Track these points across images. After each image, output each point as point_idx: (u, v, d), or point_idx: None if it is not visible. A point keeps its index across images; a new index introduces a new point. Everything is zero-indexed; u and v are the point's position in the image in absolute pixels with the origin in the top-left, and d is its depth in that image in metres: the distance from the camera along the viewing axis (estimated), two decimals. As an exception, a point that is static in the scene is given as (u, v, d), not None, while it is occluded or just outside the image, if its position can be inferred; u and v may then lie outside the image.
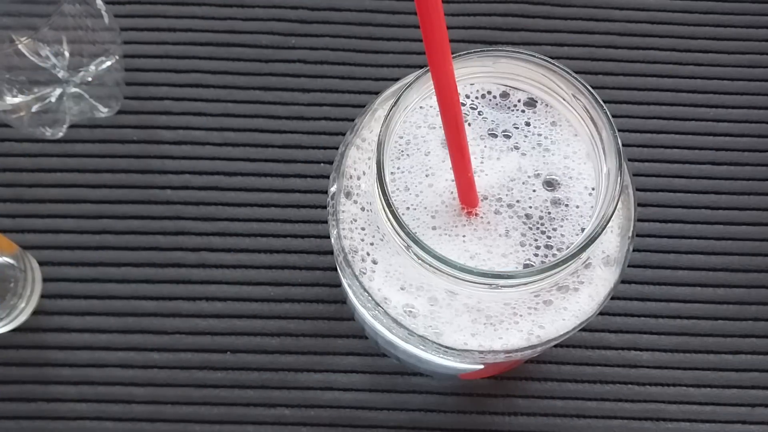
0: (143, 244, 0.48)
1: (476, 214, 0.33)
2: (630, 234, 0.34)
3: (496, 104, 0.35)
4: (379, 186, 0.30)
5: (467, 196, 0.33)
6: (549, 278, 0.30)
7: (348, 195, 0.34)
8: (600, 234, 0.30)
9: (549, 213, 0.33)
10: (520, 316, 0.33)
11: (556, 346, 0.40)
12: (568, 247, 0.33)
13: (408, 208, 0.34)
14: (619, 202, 0.31)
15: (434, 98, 0.31)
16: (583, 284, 0.33)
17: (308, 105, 0.51)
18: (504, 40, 0.52)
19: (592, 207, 0.33)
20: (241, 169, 0.49)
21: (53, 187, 0.49)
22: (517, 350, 0.33)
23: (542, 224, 0.33)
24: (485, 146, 0.34)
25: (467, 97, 0.35)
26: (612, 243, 0.33)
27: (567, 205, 0.33)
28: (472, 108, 0.34)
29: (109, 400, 0.45)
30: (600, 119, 0.32)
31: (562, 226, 0.33)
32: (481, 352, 0.33)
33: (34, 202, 0.48)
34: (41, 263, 0.47)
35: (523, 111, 0.35)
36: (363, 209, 0.34)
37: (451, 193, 0.34)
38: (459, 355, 0.33)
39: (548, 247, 0.33)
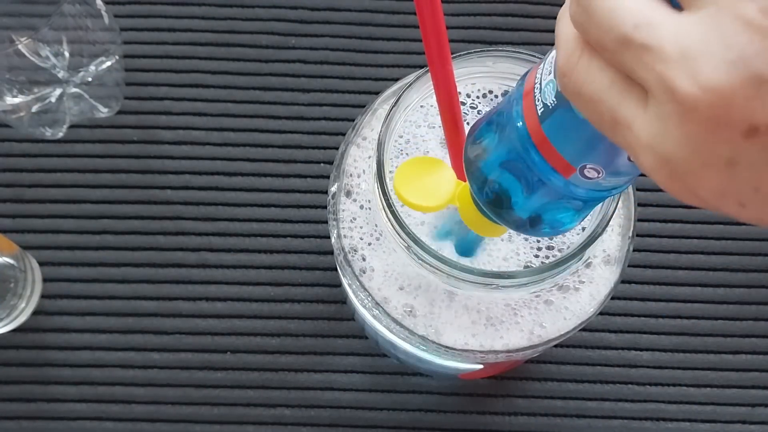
0: (143, 244, 0.48)
1: None
2: (630, 234, 0.34)
3: (498, 103, 0.35)
4: (379, 186, 0.30)
5: None
6: (549, 278, 0.30)
7: (348, 194, 0.34)
8: (600, 234, 0.30)
9: None
10: (521, 316, 0.33)
11: (556, 346, 0.40)
12: (569, 247, 0.33)
13: (403, 206, 0.34)
14: (619, 202, 0.31)
15: (435, 97, 0.31)
16: (584, 283, 0.33)
17: (308, 105, 0.51)
18: (504, 40, 0.52)
19: None
20: (241, 169, 0.49)
21: (53, 187, 0.49)
22: (518, 350, 0.33)
23: None
24: None
25: (468, 96, 0.35)
26: (613, 242, 0.33)
27: None
28: (471, 107, 0.34)
29: (109, 400, 0.45)
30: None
31: None
32: (482, 352, 0.33)
33: (34, 202, 0.48)
34: (41, 263, 0.47)
35: None
36: (362, 207, 0.34)
37: None
38: (459, 355, 0.33)
39: (549, 248, 0.33)
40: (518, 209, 0.26)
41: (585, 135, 0.22)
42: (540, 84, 0.23)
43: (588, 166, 0.23)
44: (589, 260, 0.33)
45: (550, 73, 0.23)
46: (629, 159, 0.22)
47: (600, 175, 0.23)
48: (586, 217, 0.27)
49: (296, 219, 0.49)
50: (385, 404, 0.46)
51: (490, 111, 0.27)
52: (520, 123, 0.24)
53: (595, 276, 0.33)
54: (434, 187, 0.30)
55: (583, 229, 0.33)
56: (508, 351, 0.33)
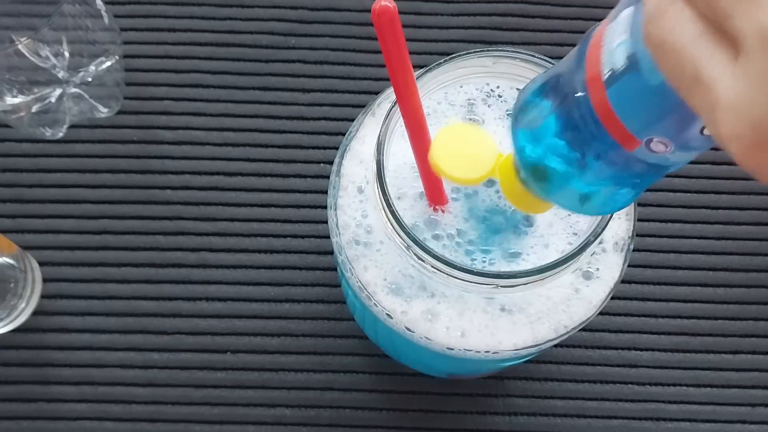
0: (143, 244, 0.48)
1: (443, 211, 0.34)
2: (630, 234, 0.34)
3: (513, 94, 0.35)
4: (379, 186, 0.30)
5: (435, 195, 0.33)
6: (550, 277, 0.30)
7: (347, 194, 0.34)
8: (600, 234, 0.30)
9: None
10: (551, 306, 0.33)
11: (556, 346, 0.40)
12: (585, 233, 0.33)
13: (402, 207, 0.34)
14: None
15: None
16: (599, 270, 0.33)
17: (308, 105, 0.51)
18: (504, 40, 0.52)
19: None
20: (241, 169, 0.49)
21: (53, 187, 0.49)
22: (546, 342, 0.33)
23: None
24: (503, 126, 0.34)
25: (487, 84, 0.35)
26: (621, 227, 0.34)
27: None
28: (492, 90, 0.35)
29: (109, 400, 0.45)
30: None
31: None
32: (514, 350, 0.33)
33: (34, 202, 0.48)
34: (41, 263, 0.47)
35: None
36: (363, 208, 0.34)
37: None
38: (485, 356, 0.33)
39: (575, 234, 0.33)
40: (570, 185, 0.24)
41: (656, 104, 0.20)
42: (608, 45, 0.21)
43: (655, 139, 0.21)
44: (602, 245, 0.33)
45: (624, 32, 0.20)
46: (701, 132, 0.20)
47: (668, 149, 0.21)
48: (640, 194, 0.25)
49: (296, 219, 0.49)
50: (385, 404, 0.46)
51: (544, 73, 0.25)
52: (581, 88, 0.22)
53: (608, 261, 0.33)
54: (474, 157, 0.28)
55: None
56: (537, 345, 0.33)
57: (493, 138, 0.29)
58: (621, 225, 0.34)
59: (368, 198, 0.34)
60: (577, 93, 0.22)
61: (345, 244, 0.33)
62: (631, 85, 0.21)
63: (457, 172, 0.28)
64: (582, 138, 0.23)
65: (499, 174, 0.28)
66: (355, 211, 0.34)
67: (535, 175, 0.25)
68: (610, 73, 0.21)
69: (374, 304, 0.33)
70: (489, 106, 0.34)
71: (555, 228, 0.33)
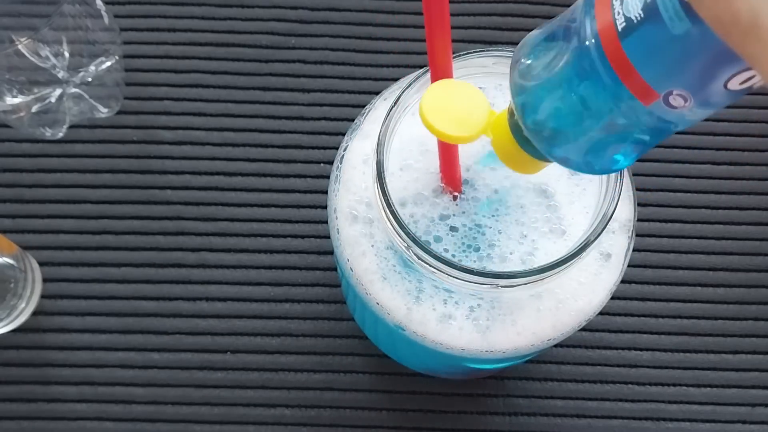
0: (143, 244, 0.48)
1: (455, 197, 0.34)
2: (630, 233, 0.34)
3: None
4: (378, 186, 0.30)
5: (449, 178, 0.33)
6: (550, 277, 0.30)
7: (347, 192, 0.34)
8: (600, 233, 0.30)
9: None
10: (574, 293, 0.33)
11: (556, 346, 0.40)
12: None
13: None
14: (619, 201, 0.31)
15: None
16: (610, 256, 0.33)
17: (308, 105, 0.51)
18: (504, 40, 0.52)
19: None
20: (241, 169, 0.49)
21: (53, 187, 0.49)
22: (564, 333, 0.33)
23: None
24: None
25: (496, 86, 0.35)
26: (625, 209, 0.34)
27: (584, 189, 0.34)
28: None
29: (109, 400, 0.45)
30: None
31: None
32: (534, 345, 0.33)
33: (34, 202, 0.48)
34: (41, 263, 0.47)
35: None
36: (365, 201, 0.34)
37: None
38: (505, 354, 0.33)
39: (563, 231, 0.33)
40: (574, 143, 0.23)
41: (679, 54, 0.19)
42: None
43: (675, 92, 0.20)
44: (612, 229, 0.33)
45: None
46: (725, 86, 0.19)
47: (687, 104, 0.20)
48: (646, 152, 0.24)
49: (296, 219, 0.49)
50: (385, 404, 0.46)
51: (549, 23, 0.24)
52: (593, 39, 0.20)
53: (617, 245, 0.33)
54: (466, 115, 0.27)
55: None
56: (559, 336, 0.33)
57: (485, 96, 0.28)
58: (624, 208, 0.34)
59: (370, 187, 0.34)
60: (588, 42, 0.21)
61: (343, 224, 0.33)
62: (651, 35, 0.19)
63: (447, 128, 0.27)
64: (593, 91, 0.21)
65: (491, 132, 0.27)
66: (357, 188, 0.34)
67: (537, 130, 0.24)
68: (624, 23, 0.19)
69: (371, 298, 0.33)
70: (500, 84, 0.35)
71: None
